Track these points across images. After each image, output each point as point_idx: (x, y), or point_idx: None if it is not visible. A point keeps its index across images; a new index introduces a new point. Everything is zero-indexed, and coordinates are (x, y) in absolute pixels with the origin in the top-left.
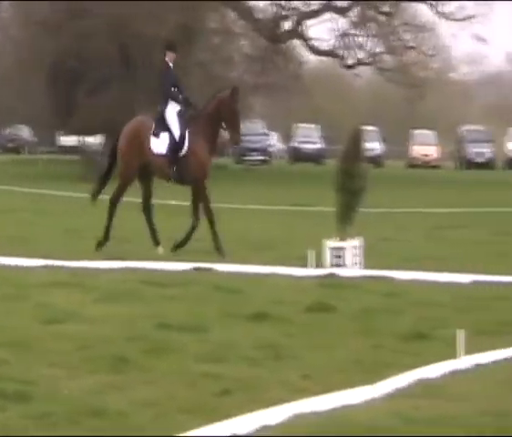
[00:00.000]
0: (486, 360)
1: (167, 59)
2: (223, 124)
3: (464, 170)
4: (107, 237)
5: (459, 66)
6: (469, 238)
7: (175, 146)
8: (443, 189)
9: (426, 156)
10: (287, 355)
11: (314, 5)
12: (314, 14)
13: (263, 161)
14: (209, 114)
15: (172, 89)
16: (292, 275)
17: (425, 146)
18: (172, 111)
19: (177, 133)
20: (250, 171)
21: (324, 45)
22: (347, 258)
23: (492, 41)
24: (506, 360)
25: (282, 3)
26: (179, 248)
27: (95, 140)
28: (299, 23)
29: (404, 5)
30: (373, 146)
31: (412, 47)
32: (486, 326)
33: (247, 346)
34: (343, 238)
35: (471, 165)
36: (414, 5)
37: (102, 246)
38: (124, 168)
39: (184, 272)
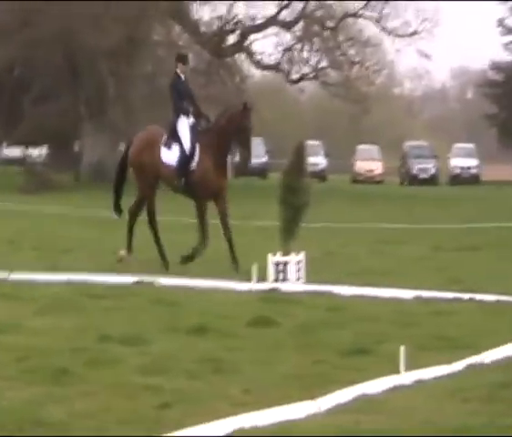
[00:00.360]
0: (427, 375)
1: (178, 70)
2: (234, 140)
3: (407, 186)
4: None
5: (403, 82)
6: (411, 253)
7: (185, 158)
8: (386, 205)
9: (370, 171)
10: (228, 369)
11: (259, 20)
12: (259, 28)
13: None
14: (221, 129)
15: (182, 101)
16: (235, 289)
17: (369, 161)
18: (184, 123)
19: (187, 145)
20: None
21: (269, 60)
22: (290, 272)
23: (436, 57)
24: (446, 375)
25: (227, 17)
26: (188, 261)
27: (40, 151)
28: (243, 37)
29: (349, 20)
30: (317, 160)
31: (356, 62)
32: (427, 341)
33: (187, 359)
34: (286, 253)
35: (415, 180)
36: (359, 20)
37: (165, 260)
38: (141, 180)
39: (126, 284)
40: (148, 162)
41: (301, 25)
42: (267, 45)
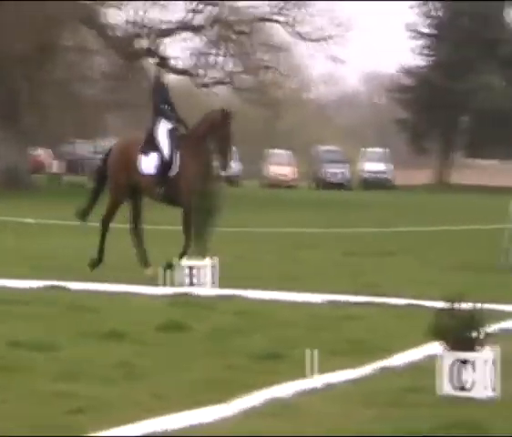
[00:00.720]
0: (337, 379)
1: (160, 77)
2: (213, 147)
3: (319, 190)
4: (100, 258)
5: (316, 87)
6: (323, 257)
7: (164, 165)
8: (298, 209)
9: (282, 175)
10: (139, 374)
11: (170, 24)
12: (170, 32)
13: None
14: (200, 135)
15: (164, 106)
16: (147, 294)
17: (281, 166)
18: (163, 129)
19: (166, 152)
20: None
21: (180, 64)
22: (202, 277)
23: (348, 62)
24: (356, 379)
25: (139, 21)
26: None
27: None
28: (155, 41)
29: (261, 24)
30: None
31: (268, 67)
32: (338, 345)
33: (100, 365)
34: (197, 258)
35: (326, 185)
36: (270, 25)
37: (95, 267)
38: (113, 187)
39: (37, 290)
40: (124, 170)
41: (214, 29)
42: (179, 49)
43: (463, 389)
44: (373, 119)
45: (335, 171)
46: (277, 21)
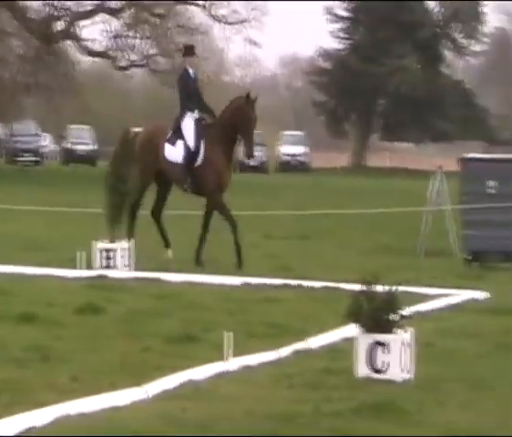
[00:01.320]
0: (253, 361)
1: (186, 65)
2: (238, 134)
3: (238, 173)
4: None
5: (233, 70)
6: (241, 240)
7: (190, 155)
8: None
9: None
10: (55, 357)
11: (87, 6)
12: (87, 14)
13: (36, 162)
14: (225, 122)
15: (188, 98)
16: (62, 276)
17: None
18: (189, 119)
19: (192, 142)
20: (22, 172)
21: (97, 47)
22: (117, 259)
23: (266, 45)
24: (273, 361)
25: (55, 3)
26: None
27: None
28: (71, 23)
29: (178, 7)
30: None
31: None
32: (255, 328)
33: (14, 347)
34: (113, 240)
35: (245, 168)
36: (188, 7)
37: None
38: (139, 174)
39: None
40: (150, 158)
41: (129, 12)
42: (96, 31)
43: (379, 371)
44: (291, 102)
45: None
46: (194, 4)
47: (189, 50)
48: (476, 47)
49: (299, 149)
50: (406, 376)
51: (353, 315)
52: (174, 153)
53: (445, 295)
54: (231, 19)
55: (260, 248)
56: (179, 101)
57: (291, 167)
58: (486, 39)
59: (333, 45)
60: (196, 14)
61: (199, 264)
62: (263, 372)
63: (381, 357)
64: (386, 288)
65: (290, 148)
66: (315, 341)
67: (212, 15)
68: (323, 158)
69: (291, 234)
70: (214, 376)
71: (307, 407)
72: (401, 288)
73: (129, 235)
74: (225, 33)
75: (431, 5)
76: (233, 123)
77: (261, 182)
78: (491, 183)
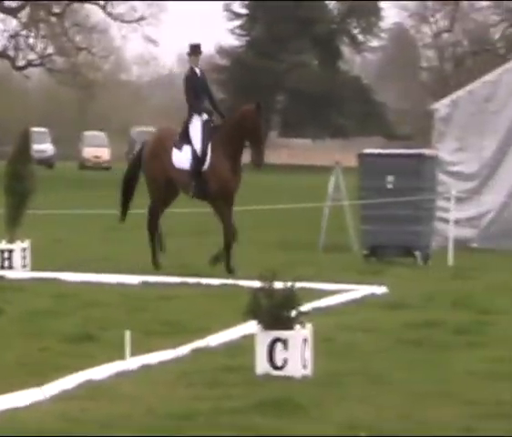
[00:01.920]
0: (152, 360)
1: (191, 65)
2: (246, 139)
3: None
4: (156, 264)
5: (131, 68)
6: (139, 238)
7: (196, 160)
8: (114, 191)
9: (97, 157)
10: None
11: None
12: None
13: None
14: (232, 128)
15: (197, 100)
16: None
17: (97, 147)
18: (197, 122)
19: (198, 146)
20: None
21: None
22: (15, 260)
23: (163, 43)
24: (172, 360)
25: None
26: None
27: None
28: None
29: (74, 5)
30: (44, 147)
31: (83, 49)
32: (154, 326)
33: None
34: (10, 241)
35: None
36: (84, 5)
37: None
38: (151, 186)
39: None
40: (158, 165)
41: (26, 11)
42: None
43: (278, 367)
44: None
45: None
46: (91, 2)
47: (194, 49)
48: (374, 43)
49: None
50: (306, 372)
51: (253, 312)
52: (181, 159)
53: (345, 290)
54: (128, 17)
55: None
56: (187, 103)
57: None
58: (383, 35)
59: (232, 42)
60: (93, 12)
61: (230, 271)
62: (163, 371)
63: (280, 353)
64: (285, 284)
65: None
66: (214, 339)
67: (109, 13)
68: None
69: (191, 231)
70: (114, 375)
71: (207, 405)
72: (300, 284)
73: (161, 246)
74: (122, 31)
75: (328, 0)
76: (241, 130)
77: None
78: (389, 178)
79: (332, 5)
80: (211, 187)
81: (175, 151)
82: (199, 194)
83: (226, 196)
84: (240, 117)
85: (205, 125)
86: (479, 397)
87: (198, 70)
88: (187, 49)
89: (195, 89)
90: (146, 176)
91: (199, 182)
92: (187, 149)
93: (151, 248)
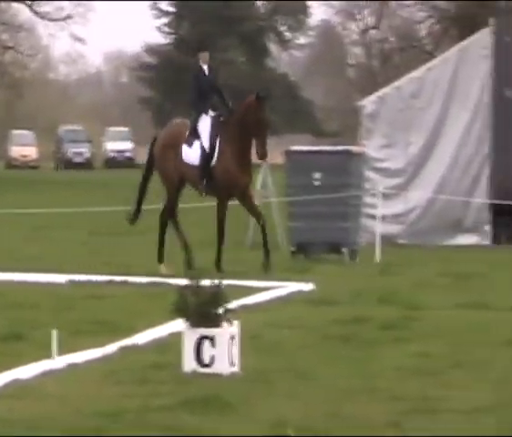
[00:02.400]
0: (80, 359)
1: (200, 62)
2: (251, 133)
3: (63, 171)
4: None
5: (58, 66)
6: (67, 238)
7: (205, 156)
8: (42, 190)
9: (25, 156)
10: None
11: None
12: None
13: None
14: (237, 122)
15: (201, 99)
16: None
17: (24, 146)
18: (205, 119)
19: (207, 143)
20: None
21: None
22: None
23: (91, 41)
24: (100, 359)
25: None
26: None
27: None
28: None
29: (2, 5)
30: None
31: (10, 47)
32: (82, 325)
33: None
34: None
35: (70, 165)
36: (11, 4)
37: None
38: (165, 183)
39: None
40: (170, 161)
41: None
42: None
43: (206, 365)
44: (117, 98)
45: (78, 151)
46: (18, 1)
47: (201, 45)
48: (301, 40)
49: (125, 145)
50: (233, 369)
51: (180, 310)
52: (191, 155)
53: (272, 287)
54: (55, 15)
55: (86, 244)
56: (190, 101)
57: (117, 163)
58: (310, 32)
59: (159, 40)
60: (20, 11)
61: (219, 271)
62: (90, 370)
63: (208, 351)
64: (212, 281)
65: (116, 144)
66: (142, 337)
67: (36, 12)
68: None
69: (117, 230)
70: (41, 375)
71: (134, 403)
72: (228, 281)
73: (183, 243)
74: (49, 29)
75: None
76: (245, 123)
77: (87, 179)
78: (316, 175)
79: (259, 2)
80: (219, 183)
81: (185, 147)
82: (208, 191)
83: (233, 191)
84: (243, 110)
85: (214, 120)
86: (406, 392)
87: (206, 67)
88: (196, 45)
89: (200, 88)
90: (158, 172)
91: (209, 179)
92: (196, 145)
93: (158, 245)
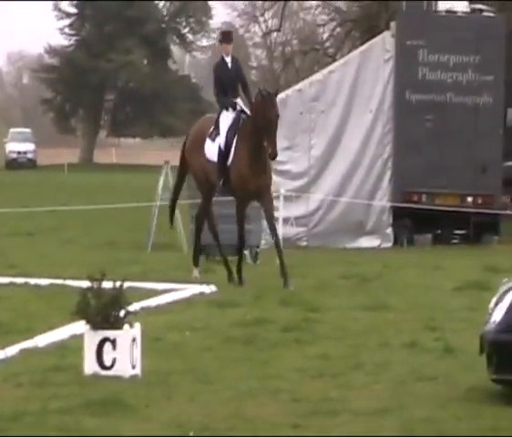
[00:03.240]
0: None
1: (223, 54)
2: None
3: None
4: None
5: None
6: None
7: (222, 154)
8: None
9: None
10: None
11: None
12: None
13: None
14: (249, 122)
15: (223, 93)
16: None
17: None
18: (225, 115)
19: (223, 138)
20: None
21: None
22: None
23: None
24: (0, 361)
25: None
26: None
27: None
28: None
29: None
30: None
31: None
32: None
33: None
34: None
35: None
36: None
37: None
38: (196, 182)
39: None
40: (198, 159)
41: None
42: None
43: (107, 367)
44: (20, 99)
45: None
46: None
47: (225, 36)
48: (204, 42)
49: (26, 146)
50: (134, 371)
51: (81, 312)
52: (211, 151)
53: (174, 289)
54: None
55: None
56: (215, 95)
57: (18, 164)
58: (213, 34)
59: (62, 41)
60: None
61: (240, 281)
62: None
63: (109, 353)
64: (113, 283)
65: (17, 146)
66: (43, 339)
67: None
68: (52, 155)
69: (17, 231)
70: None
71: (35, 405)
72: (129, 283)
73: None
74: None
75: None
76: (255, 123)
77: None
78: None
79: (161, 4)
80: (233, 184)
81: (208, 142)
82: (225, 191)
83: (244, 193)
84: (253, 110)
85: (235, 117)
86: (307, 394)
87: (229, 59)
88: (218, 37)
89: (223, 82)
90: (190, 171)
91: (226, 178)
92: (217, 142)
93: (194, 249)
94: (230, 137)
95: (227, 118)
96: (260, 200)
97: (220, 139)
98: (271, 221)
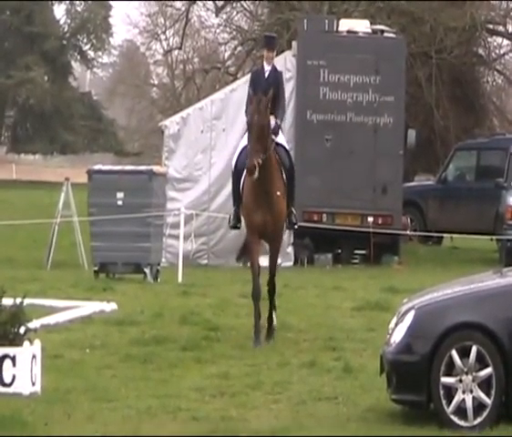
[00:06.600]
0: None
1: (264, 61)
2: None
3: None
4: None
5: None
6: None
7: (234, 177)
8: None
9: None
10: None
11: None
12: None
13: None
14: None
15: (248, 100)
16: None
17: None
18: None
19: (235, 158)
20: None
21: None
22: None
23: None
24: None
25: None
26: None
27: None
28: None
29: None
30: None
31: None
32: None
33: None
34: None
35: None
36: None
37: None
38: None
39: None
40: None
41: None
42: None
43: (6, 384)
44: None
45: None
46: None
47: (267, 41)
48: (105, 59)
49: None
50: (34, 389)
51: None
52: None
53: (74, 307)
54: None
55: None
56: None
57: None
58: (114, 51)
59: None
60: None
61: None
62: None
63: (8, 370)
64: (12, 300)
65: None
66: None
67: None
68: None
69: None
70: None
71: None
72: (29, 300)
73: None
74: None
75: (59, 14)
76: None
77: None
78: (118, 194)
79: (62, 20)
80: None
81: (234, 159)
82: (237, 222)
83: (250, 229)
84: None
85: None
86: (207, 413)
87: (268, 68)
88: (262, 41)
89: (254, 89)
90: None
91: (237, 206)
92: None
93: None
94: (242, 158)
95: (246, 136)
96: (266, 241)
97: (233, 159)
98: (272, 280)
